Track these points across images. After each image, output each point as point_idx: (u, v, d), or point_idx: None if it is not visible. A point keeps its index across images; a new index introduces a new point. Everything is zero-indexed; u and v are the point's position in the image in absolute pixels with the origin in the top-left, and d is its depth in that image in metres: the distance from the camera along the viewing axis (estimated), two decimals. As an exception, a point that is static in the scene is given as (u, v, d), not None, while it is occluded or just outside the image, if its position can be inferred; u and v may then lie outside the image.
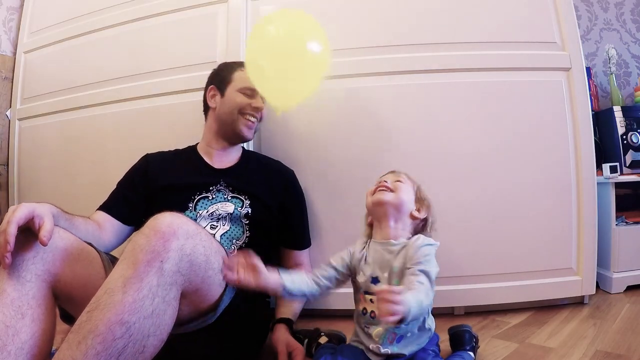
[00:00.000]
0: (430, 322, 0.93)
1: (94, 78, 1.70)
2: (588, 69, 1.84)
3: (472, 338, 1.01)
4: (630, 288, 1.54)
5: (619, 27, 2.12)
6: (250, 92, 1.22)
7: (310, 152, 1.42)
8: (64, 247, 0.80)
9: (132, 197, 1.16)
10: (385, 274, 0.89)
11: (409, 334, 0.88)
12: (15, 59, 1.97)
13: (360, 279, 0.93)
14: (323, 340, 1.05)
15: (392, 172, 1.04)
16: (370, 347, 0.88)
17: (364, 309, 0.91)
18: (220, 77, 1.27)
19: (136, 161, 1.25)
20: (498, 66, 1.39)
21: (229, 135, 1.24)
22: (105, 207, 1.14)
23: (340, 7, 1.46)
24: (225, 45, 1.51)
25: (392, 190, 0.95)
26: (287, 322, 1.09)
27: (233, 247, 1.10)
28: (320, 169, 1.41)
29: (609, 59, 1.97)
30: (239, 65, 1.26)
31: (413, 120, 1.39)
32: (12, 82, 1.95)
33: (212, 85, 1.27)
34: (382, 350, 0.86)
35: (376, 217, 0.98)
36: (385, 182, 0.97)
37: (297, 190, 1.32)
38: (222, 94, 1.24)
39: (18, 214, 0.73)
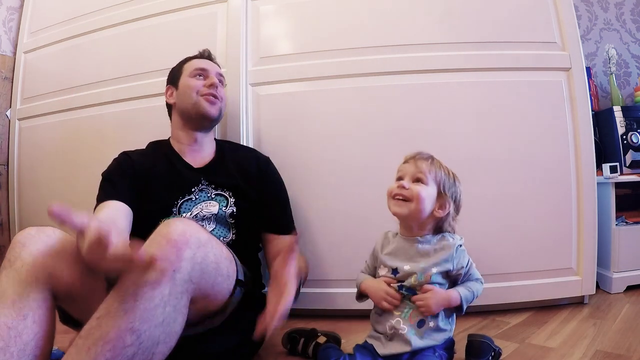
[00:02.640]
0: (445, 325, 0.92)
1: (94, 78, 1.70)
2: (588, 69, 1.84)
3: (490, 350, 0.96)
4: (630, 288, 1.54)
5: (619, 27, 2.12)
6: (202, 72, 1.23)
7: (310, 152, 1.42)
8: (62, 248, 0.79)
9: (131, 185, 1.10)
10: (407, 267, 0.92)
11: (431, 323, 0.90)
12: (15, 59, 1.96)
13: (382, 271, 0.96)
14: (321, 340, 1.04)
15: (417, 158, 0.95)
16: (388, 324, 0.90)
17: None
18: (172, 74, 1.29)
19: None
20: (498, 66, 1.39)
21: (194, 120, 1.20)
22: (116, 197, 1.04)
23: (341, 7, 1.46)
24: (225, 45, 1.51)
25: (409, 199, 0.91)
26: None
27: None
28: (319, 169, 1.41)
29: (609, 59, 1.97)
30: (188, 58, 1.28)
31: (411, 121, 1.38)
32: (12, 82, 1.95)
33: (168, 85, 1.28)
34: (402, 325, 0.89)
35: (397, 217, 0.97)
36: (403, 186, 0.92)
37: (273, 173, 1.27)
38: (177, 87, 1.24)
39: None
